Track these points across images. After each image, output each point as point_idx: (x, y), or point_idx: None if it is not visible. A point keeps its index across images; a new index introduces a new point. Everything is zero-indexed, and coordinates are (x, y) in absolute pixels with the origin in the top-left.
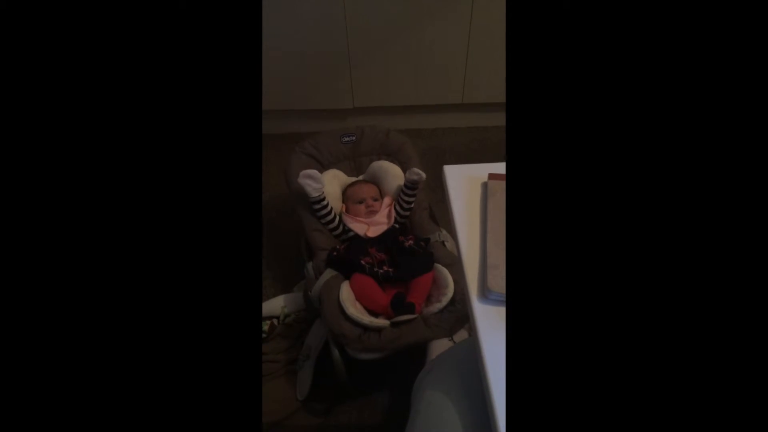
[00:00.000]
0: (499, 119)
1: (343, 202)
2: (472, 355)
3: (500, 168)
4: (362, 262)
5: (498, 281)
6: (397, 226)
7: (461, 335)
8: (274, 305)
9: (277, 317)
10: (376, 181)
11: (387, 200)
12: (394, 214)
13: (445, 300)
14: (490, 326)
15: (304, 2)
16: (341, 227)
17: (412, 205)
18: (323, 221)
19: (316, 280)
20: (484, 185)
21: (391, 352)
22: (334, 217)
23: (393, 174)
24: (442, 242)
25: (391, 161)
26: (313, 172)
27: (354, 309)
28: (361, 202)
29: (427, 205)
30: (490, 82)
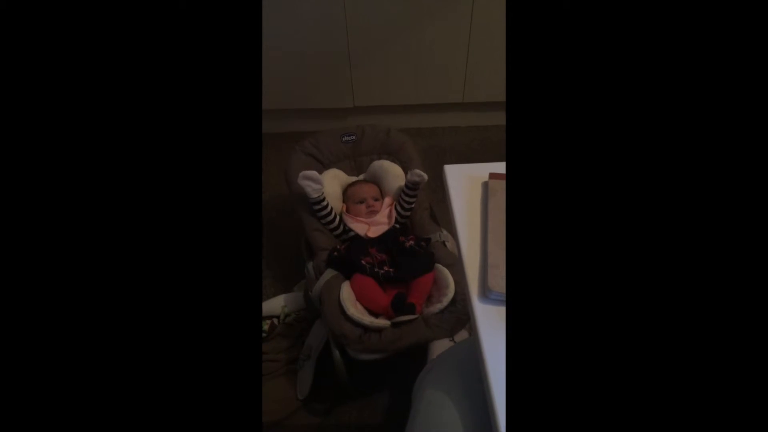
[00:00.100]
0: (500, 118)
1: (344, 201)
2: (472, 354)
3: (501, 167)
4: (363, 262)
5: (498, 281)
6: (397, 226)
7: (462, 336)
8: (275, 305)
9: (278, 317)
10: (376, 181)
11: (388, 200)
12: (394, 214)
13: (446, 300)
14: (491, 326)
15: (304, 2)
16: (342, 227)
17: (413, 206)
18: (323, 221)
19: (317, 280)
20: (485, 185)
21: (391, 353)
22: (335, 217)
23: (393, 174)
24: (443, 242)
25: (392, 161)
26: (312, 173)
27: (354, 309)
28: (361, 202)
29: (427, 205)
30: (491, 81)
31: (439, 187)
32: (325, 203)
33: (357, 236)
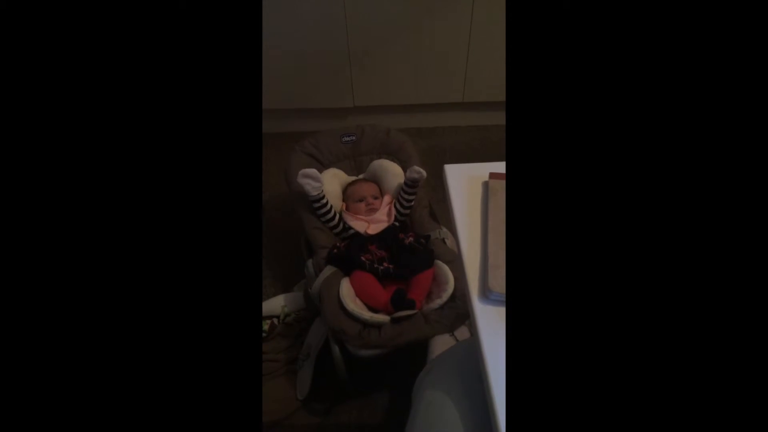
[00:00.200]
0: (500, 118)
1: (344, 200)
2: (472, 355)
3: (501, 167)
4: (362, 258)
5: (499, 281)
6: (397, 224)
7: (462, 331)
8: (275, 304)
9: (278, 316)
10: (376, 180)
11: (387, 198)
12: (394, 211)
13: (446, 296)
14: (491, 326)
15: (304, 1)
16: (341, 225)
17: (412, 203)
18: (323, 219)
19: (316, 278)
20: (485, 184)
21: (391, 349)
22: (334, 215)
23: (393, 172)
24: (443, 239)
25: (392, 160)
26: (312, 171)
27: (354, 305)
28: (361, 201)
29: (427, 202)
30: (491, 80)
31: (438, 186)
32: (324, 201)
33: (357, 233)
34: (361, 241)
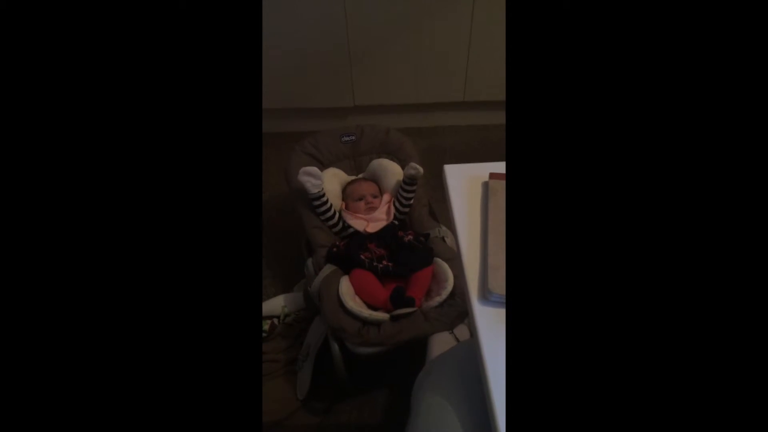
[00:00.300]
0: (501, 117)
1: (343, 199)
2: (472, 356)
3: (501, 167)
4: (362, 256)
5: (499, 282)
6: (396, 222)
7: (462, 329)
8: (275, 305)
9: (278, 317)
10: (375, 179)
11: (386, 197)
12: (393, 210)
13: (445, 294)
14: (491, 328)
15: (304, 1)
16: (341, 224)
17: (411, 201)
18: (323, 218)
19: (316, 276)
20: (485, 185)
21: (390, 347)
22: (334, 213)
23: (392, 171)
24: (442, 238)
25: (391, 160)
26: (312, 168)
27: (353, 303)
28: (360, 199)
29: (426, 201)
30: (491, 79)
31: (438, 186)
32: (324, 199)
33: (356, 232)
34: (361, 239)
